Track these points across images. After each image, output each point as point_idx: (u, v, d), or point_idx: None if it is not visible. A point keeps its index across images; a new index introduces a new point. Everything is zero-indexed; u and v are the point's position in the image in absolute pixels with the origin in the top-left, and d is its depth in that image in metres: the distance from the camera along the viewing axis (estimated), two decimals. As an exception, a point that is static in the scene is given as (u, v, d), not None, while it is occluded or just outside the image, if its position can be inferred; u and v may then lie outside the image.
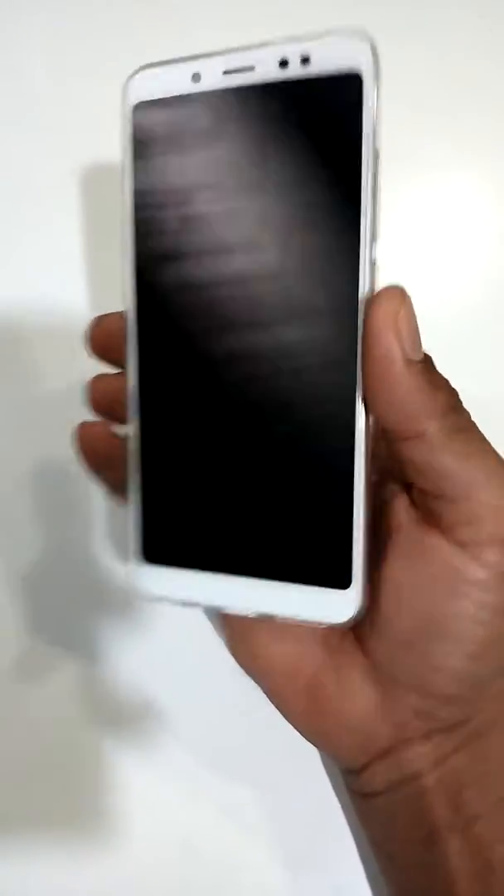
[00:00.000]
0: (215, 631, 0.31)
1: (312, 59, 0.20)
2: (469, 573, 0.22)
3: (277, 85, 0.21)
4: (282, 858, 0.30)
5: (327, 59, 0.20)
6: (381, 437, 0.22)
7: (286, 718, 0.26)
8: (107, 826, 0.31)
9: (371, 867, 0.29)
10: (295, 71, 0.21)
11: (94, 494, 0.32)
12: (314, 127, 0.21)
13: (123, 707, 0.32)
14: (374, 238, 0.20)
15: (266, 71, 0.21)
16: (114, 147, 0.24)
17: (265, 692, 0.26)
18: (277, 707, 0.26)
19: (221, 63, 0.21)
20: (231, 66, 0.21)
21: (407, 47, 0.31)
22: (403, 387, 0.20)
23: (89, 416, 0.26)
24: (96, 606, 0.32)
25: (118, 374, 0.25)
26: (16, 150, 0.33)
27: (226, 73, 0.21)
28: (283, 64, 0.21)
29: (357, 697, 0.25)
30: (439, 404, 0.20)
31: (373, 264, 0.20)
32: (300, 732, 0.26)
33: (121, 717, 0.32)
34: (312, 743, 0.27)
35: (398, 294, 0.20)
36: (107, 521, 0.32)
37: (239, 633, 0.26)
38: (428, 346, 0.21)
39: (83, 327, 0.25)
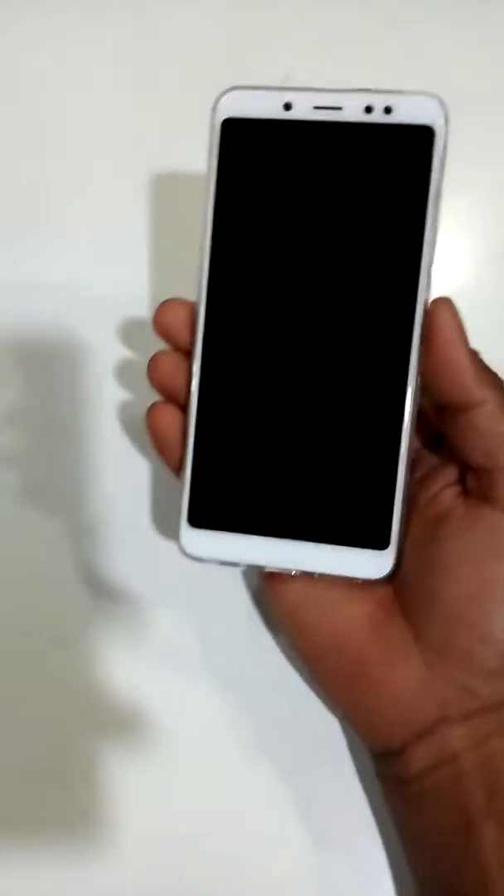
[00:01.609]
0: (262, 611, 0.32)
1: (395, 110, 0.25)
2: None
3: (361, 126, 0.25)
4: (292, 853, 0.31)
5: (407, 112, 0.25)
6: (433, 422, 0.26)
7: (327, 694, 0.28)
8: (107, 827, 0.31)
9: (394, 856, 0.30)
10: (378, 117, 0.25)
11: (97, 495, 0.33)
12: (389, 165, 0.25)
13: (122, 708, 0.32)
14: (432, 256, 0.25)
15: (352, 113, 0.25)
16: (190, 156, 0.27)
17: (308, 666, 0.28)
18: (320, 683, 0.28)
19: (313, 98, 0.25)
20: (322, 104, 0.25)
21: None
22: (467, 364, 0.24)
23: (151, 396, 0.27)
24: (95, 608, 0.33)
25: (175, 352, 0.27)
26: (93, 150, 0.35)
27: (316, 108, 0.25)
28: (368, 110, 0.25)
29: (403, 672, 0.26)
30: (495, 380, 0.25)
31: (430, 276, 0.25)
32: (341, 710, 0.28)
33: (120, 718, 0.32)
34: (352, 721, 0.28)
35: (449, 301, 0.25)
36: (107, 520, 0.33)
37: (286, 607, 0.28)
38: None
39: (147, 321, 0.27)
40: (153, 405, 0.27)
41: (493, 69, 0.36)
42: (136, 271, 0.34)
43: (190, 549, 0.27)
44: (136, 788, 0.31)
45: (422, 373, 0.25)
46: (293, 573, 0.27)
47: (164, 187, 0.35)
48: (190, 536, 0.27)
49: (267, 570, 0.27)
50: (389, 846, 0.30)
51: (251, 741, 0.31)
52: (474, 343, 0.25)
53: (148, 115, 0.35)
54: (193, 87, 0.28)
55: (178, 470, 0.27)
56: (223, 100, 0.26)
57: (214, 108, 0.26)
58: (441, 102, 0.25)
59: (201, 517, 0.27)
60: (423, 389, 0.26)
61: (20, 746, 0.32)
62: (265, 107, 0.25)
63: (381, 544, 0.26)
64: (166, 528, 0.33)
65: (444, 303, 0.25)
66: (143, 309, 0.34)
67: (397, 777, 0.27)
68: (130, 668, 0.32)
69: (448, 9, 0.36)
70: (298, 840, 0.31)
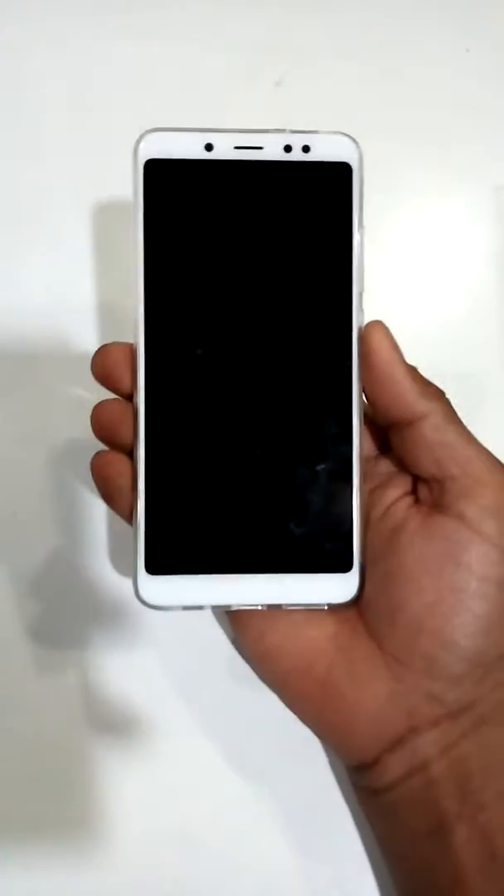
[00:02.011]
0: (227, 636, 0.32)
1: (312, 149, 0.26)
2: (471, 546, 0.24)
3: (281, 164, 0.26)
4: (282, 855, 0.31)
5: (324, 151, 0.26)
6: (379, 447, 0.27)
7: (299, 717, 0.27)
8: (103, 830, 0.31)
9: (375, 861, 0.31)
10: (296, 156, 0.26)
11: (91, 502, 0.32)
12: (311, 200, 0.26)
13: (117, 711, 0.31)
14: (362, 283, 0.26)
15: (272, 152, 0.26)
16: (124, 184, 0.27)
17: (278, 692, 0.27)
18: (290, 706, 0.27)
19: (234, 139, 0.26)
20: (242, 143, 0.26)
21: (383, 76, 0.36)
22: (408, 380, 0.25)
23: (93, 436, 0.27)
24: (91, 612, 0.32)
25: (118, 399, 0.26)
26: (31, 177, 0.34)
27: (237, 147, 0.26)
28: (287, 149, 0.26)
29: (371, 687, 0.26)
30: (437, 392, 0.26)
31: (361, 301, 0.26)
32: (314, 730, 0.28)
33: (115, 721, 0.31)
34: (325, 739, 0.28)
35: (381, 323, 0.26)
36: (101, 527, 0.33)
37: (251, 636, 0.27)
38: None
39: (89, 352, 0.27)
40: (98, 453, 0.26)
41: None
42: (83, 301, 0.34)
43: (150, 599, 0.26)
44: (129, 793, 0.31)
45: (366, 394, 0.26)
46: (260, 608, 0.26)
47: (112, 215, 0.35)
48: (149, 585, 0.26)
49: (233, 608, 0.26)
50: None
51: (244, 745, 0.32)
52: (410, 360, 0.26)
53: (93, 142, 0.35)
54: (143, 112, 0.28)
55: (129, 517, 0.26)
56: (143, 142, 0.26)
57: (135, 150, 0.26)
58: (354, 141, 0.26)
59: (159, 563, 0.26)
60: (369, 409, 0.27)
61: (14, 751, 0.31)
62: (187, 147, 0.26)
63: (345, 567, 0.26)
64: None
65: (377, 325, 0.26)
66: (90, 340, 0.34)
67: (371, 788, 0.27)
68: (124, 672, 0.32)
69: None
70: (298, 836, 0.31)
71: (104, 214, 0.34)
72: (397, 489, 0.27)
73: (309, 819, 0.31)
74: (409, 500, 0.27)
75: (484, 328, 0.35)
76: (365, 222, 0.26)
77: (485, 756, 0.26)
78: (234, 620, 0.28)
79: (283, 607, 0.26)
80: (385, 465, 0.28)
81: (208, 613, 0.33)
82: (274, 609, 0.26)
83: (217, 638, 0.32)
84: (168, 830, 0.31)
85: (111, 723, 0.32)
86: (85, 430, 0.26)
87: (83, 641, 0.32)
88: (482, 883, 0.25)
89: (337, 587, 0.26)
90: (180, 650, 0.32)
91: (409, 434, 0.26)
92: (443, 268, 0.36)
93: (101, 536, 0.33)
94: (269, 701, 0.28)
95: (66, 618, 0.32)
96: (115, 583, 0.32)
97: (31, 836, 0.31)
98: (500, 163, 0.36)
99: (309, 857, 0.31)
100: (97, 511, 0.33)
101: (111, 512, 0.30)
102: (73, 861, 0.31)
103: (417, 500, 0.27)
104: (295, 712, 0.28)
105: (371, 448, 0.28)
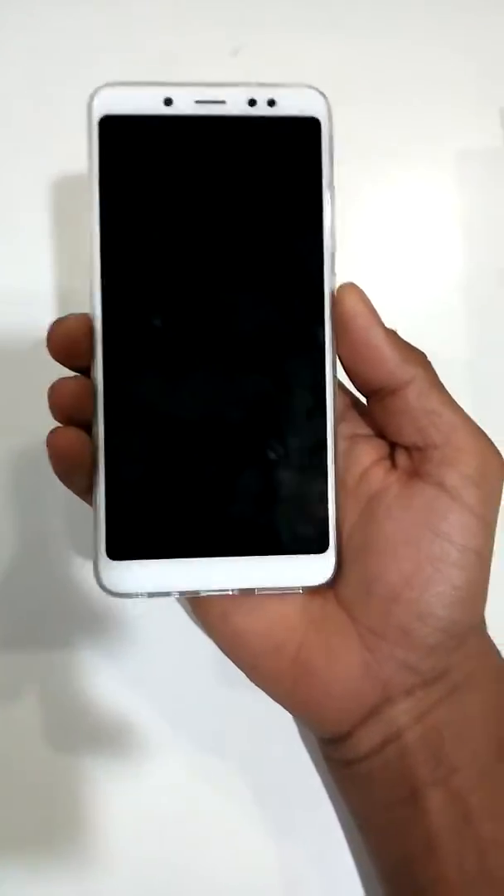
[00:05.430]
0: (192, 619, 0.31)
1: (278, 102, 0.24)
2: (450, 515, 0.24)
3: (245, 119, 0.24)
4: (258, 836, 0.31)
5: (291, 104, 0.24)
6: (357, 408, 0.26)
7: (272, 696, 0.26)
8: (86, 840, 0.30)
9: (353, 838, 0.30)
10: (261, 110, 0.24)
11: (69, 504, 0.30)
12: (278, 157, 0.24)
13: (102, 720, 0.31)
14: (333, 243, 0.25)
15: (235, 106, 0.24)
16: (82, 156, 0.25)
17: (247, 673, 0.26)
18: (262, 686, 0.26)
19: (195, 93, 0.24)
20: (204, 98, 0.24)
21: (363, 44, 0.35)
22: (388, 345, 0.24)
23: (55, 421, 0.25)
24: (72, 616, 0.31)
25: (77, 377, 0.25)
26: None
27: (198, 102, 0.24)
28: (252, 103, 0.24)
29: (344, 659, 0.25)
30: (419, 356, 0.25)
31: (333, 263, 0.25)
32: (286, 707, 0.26)
33: (100, 729, 0.31)
34: (299, 716, 0.27)
35: (355, 286, 0.24)
36: (73, 526, 0.31)
37: (216, 617, 0.26)
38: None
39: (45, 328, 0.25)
40: (54, 429, 0.24)
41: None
42: (39, 276, 0.32)
43: (112, 586, 0.24)
44: (117, 802, 0.31)
45: (342, 362, 0.25)
46: (230, 593, 0.25)
47: (66, 189, 0.33)
48: (111, 571, 0.24)
49: (202, 594, 0.25)
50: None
51: (233, 749, 0.31)
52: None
53: (47, 114, 0.33)
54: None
55: (88, 496, 0.24)
56: (97, 97, 0.24)
57: (89, 107, 0.24)
58: (322, 94, 0.24)
59: (122, 547, 0.24)
60: (349, 378, 0.25)
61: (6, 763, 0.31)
62: (144, 103, 0.24)
63: (320, 547, 0.25)
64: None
65: (351, 288, 0.24)
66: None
67: (345, 759, 0.27)
68: (108, 679, 0.31)
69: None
70: (263, 824, 0.31)
71: (61, 189, 0.33)
72: (370, 454, 0.26)
73: (286, 799, 0.31)
74: (385, 464, 0.26)
75: (451, 295, 0.34)
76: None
77: (457, 721, 0.25)
78: (194, 600, 0.27)
79: (256, 592, 0.25)
80: (352, 426, 0.27)
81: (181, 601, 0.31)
82: (246, 594, 0.25)
83: (192, 625, 0.31)
84: (144, 815, 0.30)
85: (89, 722, 0.31)
86: (48, 419, 0.25)
87: (59, 640, 0.31)
88: (456, 844, 0.25)
89: (312, 569, 0.25)
90: (156, 642, 0.31)
91: (391, 402, 0.25)
92: (407, 234, 0.35)
93: (79, 537, 0.31)
94: (242, 682, 0.27)
95: (41, 617, 0.31)
96: (86, 575, 0.31)
97: (18, 849, 0.30)
98: (464, 129, 0.35)
99: (287, 836, 0.31)
100: (63, 502, 0.31)
101: (76, 503, 0.28)
102: (62, 863, 0.30)
103: (394, 466, 0.26)
104: (266, 691, 0.26)
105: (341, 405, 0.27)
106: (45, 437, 0.24)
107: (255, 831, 0.31)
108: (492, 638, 0.27)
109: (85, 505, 0.25)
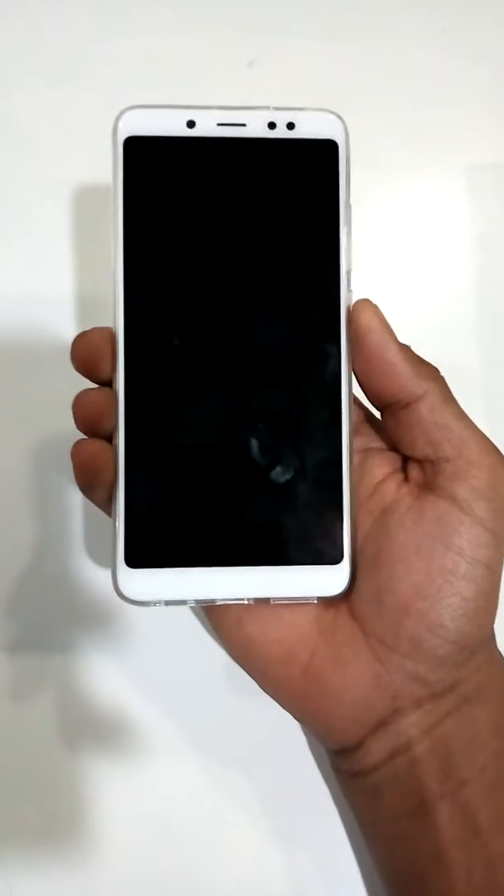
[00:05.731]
0: (205, 627, 0.31)
1: (297, 125, 0.25)
2: (462, 528, 0.24)
3: (264, 141, 0.25)
4: (265, 842, 0.31)
5: (309, 128, 0.25)
6: (371, 422, 0.26)
7: (281, 704, 0.26)
8: (87, 838, 0.30)
9: (358, 845, 0.30)
10: (281, 133, 0.25)
11: (74, 506, 0.31)
12: (297, 178, 0.25)
13: (111, 724, 0.31)
14: (350, 262, 0.25)
15: (256, 129, 0.25)
16: (103, 167, 0.26)
17: (258, 680, 0.26)
18: (272, 693, 0.26)
19: (217, 116, 0.25)
20: (225, 120, 0.25)
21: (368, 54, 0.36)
22: (402, 360, 0.24)
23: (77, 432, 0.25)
24: (75, 618, 0.31)
25: (101, 389, 0.25)
26: (7, 163, 0.33)
27: (219, 124, 0.25)
28: (272, 125, 0.25)
29: (354, 670, 0.25)
30: (432, 371, 0.25)
31: (349, 281, 0.25)
32: (295, 716, 0.27)
33: (108, 734, 0.31)
34: (308, 725, 0.27)
35: (370, 302, 0.25)
36: (85, 531, 0.32)
37: (230, 623, 0.26)
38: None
39: (68, 340, 0.25)
40: (79, 441, 0.25)
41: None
42: (61, 290, 0.33)
43: (130, 593, 0.25)
44: (116, 799, 0.31)
45: (357, 377, 0.25)
46: (246, 603, 0.25)
47: (90, 200, 0.34)
48: (129, 579, 0.25)
49: (219, 603, 0.25)
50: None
51: (231, 748, 0.31)
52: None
53: (71, 126, 0.34)
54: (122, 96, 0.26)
55: (108, 505, 0.25)
56: (122, 119, 0.25)
57: (115, 128, 0.25)
58: (340, 118, 0.25)
59: (140, 555, 0.25)
60: (364, 392, 0.26)
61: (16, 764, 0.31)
62: (167, 125, 0.25)
63: (335, 558, 0.25)
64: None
65: (366, 304, 0.25)
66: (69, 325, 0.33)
67: (353, 770, 0.27)
68: (107, 678, 0.31)
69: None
70: (269, 831, 0.31)
71: (82, 199, 0.33)
72: (384, 467, 0.27)
73: (291, 806, 0.31)
74: (398, 477, 0.26)
75: (462, 307, 0.35)
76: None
77: (466, 733, 0.25)
78: (209, 607, 0.27)
79: (271, 601, 0.25)
80: (366, 440, 0.27)
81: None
82: (261, 603, 0.25)
83: (198, 630, 0.32)
84: (149, 819, 0.31)
85: (96, 724, 0.31)
86: (64, 424, 0.25)
87: (67, 643, 0.31)
88: (464, 857, 0.25)
89: (327, 580, 0.25)
90: (163, 646, 0.31)
91: (405, 416, 0.25)
92: (417, 246, 0.35)
93: (79, 532, 0.32)
94: (250, 688, 0.27)
95: (49, 620, 0.31)
96: (96, 579, 0.31)
97: (16, 845, 0.30)
98: (474, 142, 0.36)
99: (293, 844, 0.31)
100: (76, 507, 0.32)
101: (89, 508, 0.29)
102: (60, 861, 0.30)
103: (407, 479, 0.26)
104: (276, 699, 0.27)
105: (355, 418, 0.27)
106: (58, 440, 0.24)
107: (259, 837, 0.31)
108: (502, 652, 0.27)
109: (96, 509, 0.26)
